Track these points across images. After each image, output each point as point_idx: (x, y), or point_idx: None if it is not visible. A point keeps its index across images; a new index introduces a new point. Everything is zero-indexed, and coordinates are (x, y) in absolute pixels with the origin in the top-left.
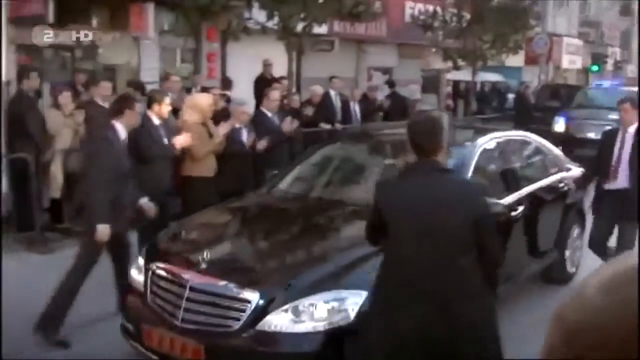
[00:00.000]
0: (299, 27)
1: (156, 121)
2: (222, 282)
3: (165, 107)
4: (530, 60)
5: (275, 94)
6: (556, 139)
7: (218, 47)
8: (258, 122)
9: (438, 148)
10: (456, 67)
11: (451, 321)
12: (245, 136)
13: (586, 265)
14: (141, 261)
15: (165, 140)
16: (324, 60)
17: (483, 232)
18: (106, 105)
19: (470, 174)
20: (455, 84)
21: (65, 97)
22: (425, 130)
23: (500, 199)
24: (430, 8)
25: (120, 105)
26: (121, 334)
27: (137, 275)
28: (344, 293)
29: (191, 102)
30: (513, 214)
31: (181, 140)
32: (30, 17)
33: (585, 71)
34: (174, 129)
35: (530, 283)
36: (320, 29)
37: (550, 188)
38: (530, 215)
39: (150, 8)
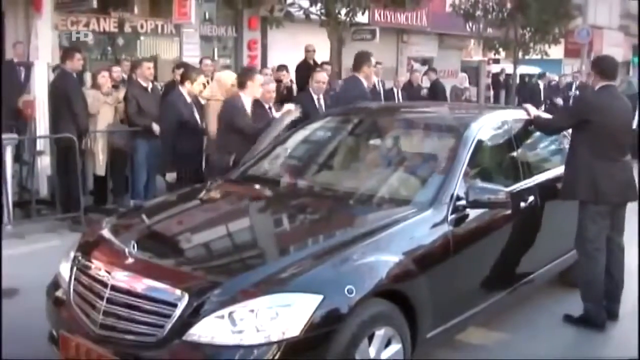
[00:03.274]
0: (342, 12)
1: (187, 98)
2: (146, 281)
3: (197, 86)
4: (571, 52)
5: (321, 76)
6: None
7: (259, 35)
8: (304, 103)
9: None
10: (496, 60)
11: None
12: (272, 115)
13: None
14: (72, 252)
15: (197, 116)
16: (364, 49)
17: None
18: (148, 85)
19: (464, 166)
20: (495, 75)
21: (104, 77)
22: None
23: (506, 186)
24: None
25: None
26: (48, 340)
27: (64, 269)
28: (292, 297)
29: (217, 78)
30: (522, 205)
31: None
32: (74, 2)
33: (627, 64)
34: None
35: (549, 286)
36: (362, 18)
37: None
38: (543, 209)
39: None
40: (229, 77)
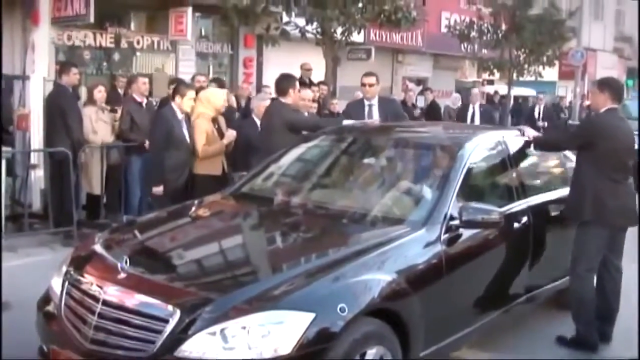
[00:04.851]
0: (338, 31)
1: (178, 113)
2: (137, 296)
3: (187, 102)
4: (565, 74)
5: (306, 93)
6: None
7: (255, 53)
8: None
9: None
10: (490, 81)
11: None
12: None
13: None
14: (64, 266)
15: (185, 133)
16: (359, 68)
17: None
18: (142, 100)
19: (457, 185)
20: (490, 96)
21: (100, 92)
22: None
23: (499, 207)
24: (467, 18)
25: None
26: (38, 355)
27: (56, 283)
28: (284, 314)
29: (204, 96)
30: (515, 225)
31: (229, 135)
32: (71, 17)
33: None
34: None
35: (544, 307)
36: (358, 37)
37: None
38: (537, 230)
39: (189, 13)
40: (220, 96)
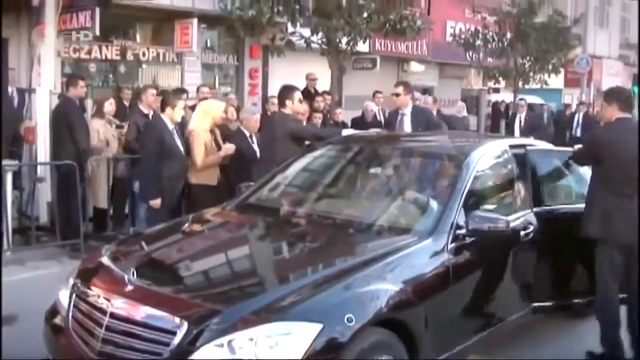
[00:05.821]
0: (343, 41)
1: (169, 124)
2: (145, 308)
3: (178, 112)
4: (571, 82)
5: (298, 108)
6: None
7: (260, 63)
8: None
9: None
10: (496, 89)
11: None
12: (256, 144)
13: None
14: (71, 278)
15: (179, 143)
16: (365, 78)
17: None
18: (149, 112)
19: (464, 194)
20: (495, 105)
21: (111, 104)
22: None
23: (506, 215)
24: (472, 27)
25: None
26: None
27: (63, 296)
28: (292, 325)
29: (203, 107)
30: (522, 234)
31: (227, 148)
32: (77, 29)
33: None
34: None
35: (551, 316)
36: (363, 47)
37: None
38: (545, 240)
39: (195, 24)
40: (218, 107)
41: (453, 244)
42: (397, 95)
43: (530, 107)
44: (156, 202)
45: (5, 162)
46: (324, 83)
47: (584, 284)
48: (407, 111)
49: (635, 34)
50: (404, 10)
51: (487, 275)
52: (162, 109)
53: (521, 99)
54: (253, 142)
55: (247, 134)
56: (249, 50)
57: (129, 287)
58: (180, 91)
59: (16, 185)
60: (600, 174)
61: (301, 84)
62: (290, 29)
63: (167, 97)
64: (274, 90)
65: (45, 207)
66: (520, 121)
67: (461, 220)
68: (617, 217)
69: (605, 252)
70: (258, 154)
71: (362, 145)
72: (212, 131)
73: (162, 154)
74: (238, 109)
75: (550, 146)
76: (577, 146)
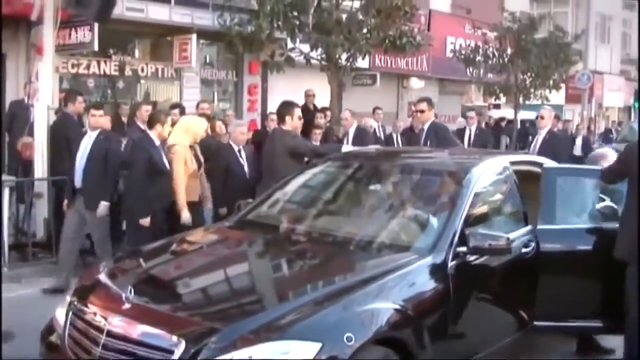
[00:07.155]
0: (343, 57)
1: (156, 141)
2: (142, 327)
3: (167, 129)
4: (572, 97)
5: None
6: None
7: (259, 79)
8: None
9: None
10: (497, 105)
11: None
12: (244, 157)
13: None
14: (68, 296)
15: (165, 161)
16: (365, 94)
17: None
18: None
19: (464, 211)
20: (496, 121)
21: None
22: None
23: (507, 233)
24: (472, 43)
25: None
26: None
27: (59, 314)
28: (291, 344)
29: (185, 124)
30: (524, 250)
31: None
32: (75, 45)
33: (628, 109)
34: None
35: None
36: (363, 63)
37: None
38: (547, 257)
39: (194, 40)
40: (201, 125)
41: (453, 262)
42: (422, 111)
43: (523, 122)
44: (146, 221)
45: (2, 177)
46: (323, 99)
47: (591, 305)
48: (426, 127)
49: (636, 49)
50: (404, 26)
51: (488, 293)
52: (151, 126)
53: (471, 110)
54: (241, 157)
55: (236, 148)
56: (248, 66)
57: (127, 305)
58: (174, 107)
59: (20, 199)
60: (632, 193)
61: (300, 100)
62: (290, 44)
63: (156, 114)
64: (273, 106)
65: (42, 224)
66: (470, 135)
67: (461, 237)
68: None
69: (630, 273)
70: (246, 169)
71: (361, 162)
72: (191, 147)
73: (150, 172)
74: (226, 124)
75: (553, 163)
76: (607, 163)
